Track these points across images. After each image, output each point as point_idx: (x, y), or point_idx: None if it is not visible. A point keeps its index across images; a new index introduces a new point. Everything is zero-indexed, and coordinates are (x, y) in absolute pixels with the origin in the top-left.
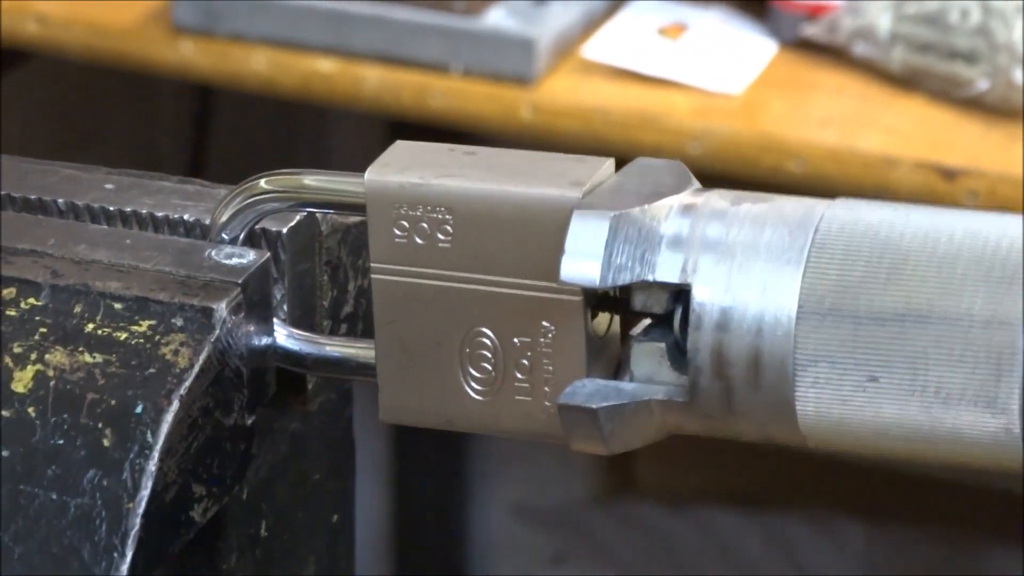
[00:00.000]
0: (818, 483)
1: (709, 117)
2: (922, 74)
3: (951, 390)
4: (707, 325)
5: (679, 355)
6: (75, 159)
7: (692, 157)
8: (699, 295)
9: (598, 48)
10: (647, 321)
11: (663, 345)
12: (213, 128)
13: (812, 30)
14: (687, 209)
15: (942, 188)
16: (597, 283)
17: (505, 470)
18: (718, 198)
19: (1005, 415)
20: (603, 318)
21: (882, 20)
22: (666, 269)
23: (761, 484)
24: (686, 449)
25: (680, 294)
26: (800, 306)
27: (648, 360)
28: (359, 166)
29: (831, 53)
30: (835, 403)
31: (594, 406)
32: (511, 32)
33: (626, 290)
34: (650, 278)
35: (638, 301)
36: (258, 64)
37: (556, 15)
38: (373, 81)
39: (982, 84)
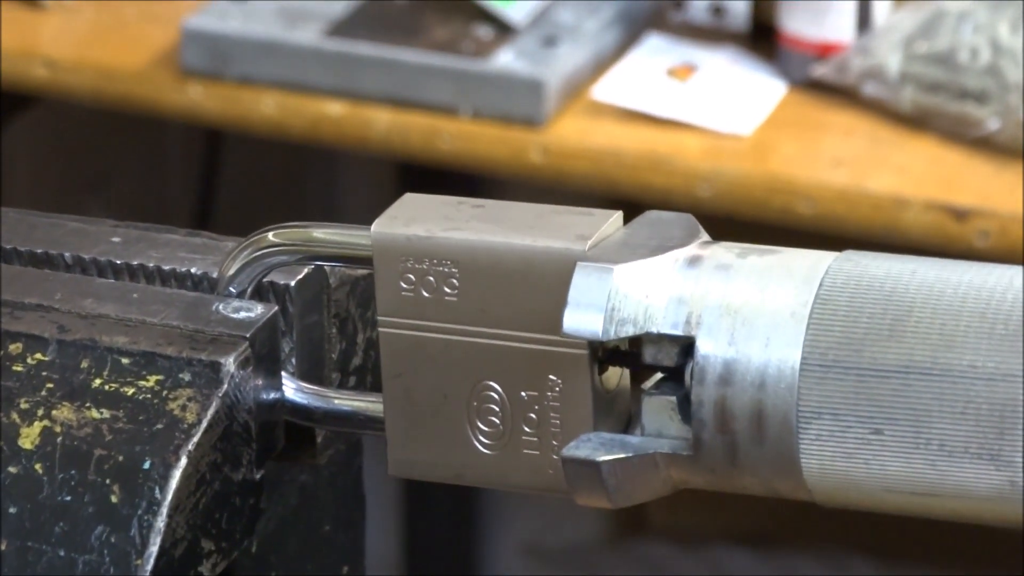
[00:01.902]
0: (829, 522)
1: (719, 158)
2: (932, 114)
3: (955, 444)
4: (710, 378)
5: (690, 409)
6: (84, 202)
7: (702, 199)
8: (703, 348)
9: (607, 89)
10: (658, 375)
11: (674, 399)
12: (221, 171)
13: (822, 70)
14: (693, 262)
15: (953, 229)
16: (600, 335)
17: (516, 512)
18: (724, 251)
19: (1008, 469)
20: (613, 372)
21: (892, 60)
22: (670, 322)
23: (772, 524)
24: (695, 489)
25: (691, 348)
26: (803, 359)
27: (659, 414)
28: (368, 209)
29: (841, 93)
30: (839, 457)
31: (597, 459)
32: (520, 74)
33: (636, 343)
34: (654, 331)
35: (648, 354)
36: (267, 107)
37: (565, 57)
38: (382, 124)
39: (992, 124)
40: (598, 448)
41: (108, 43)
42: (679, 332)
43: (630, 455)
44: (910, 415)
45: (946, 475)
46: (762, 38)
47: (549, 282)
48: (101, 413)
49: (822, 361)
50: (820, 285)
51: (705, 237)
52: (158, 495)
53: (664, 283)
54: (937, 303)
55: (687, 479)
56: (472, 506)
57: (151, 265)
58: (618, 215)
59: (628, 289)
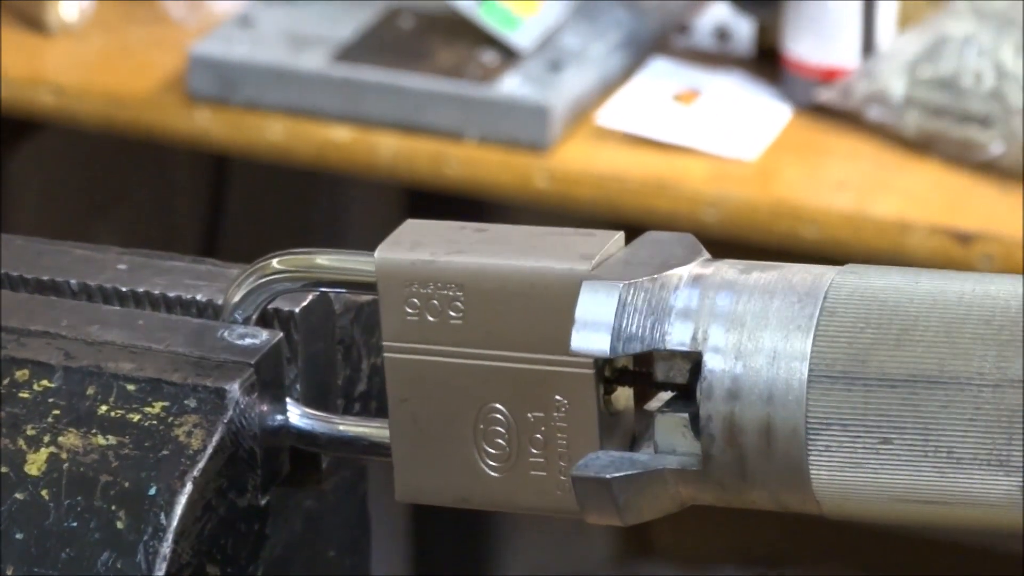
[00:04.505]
0: (833, 543)
1: (724, 183)
2: (936, 138)
3: (963, 452)
4: (718, 394)
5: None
6: (92, 228)
7: (707, 223)
8: (710, 364)
9: (612, 115)
10: (665, 394)
11: (686, 416)
12: (228, 196)
13: (826, 95)
14: (697, 279)
15: (957, 253)
16: (607, 353)
17: (522, 535)
18: (728, 267)
19: (1017, 475)
20: (620, 392)
21: (896, 84)
22: (676, 339)
23: (777, 545)
24: (702, 510)
25: (700, 364)
26: (810, 372)
27: (671, 432)
28: (375, 234)
29: (845, 118)
30: (848, 467)
31: (607, 476)
32: (525, 99)
33: (642, 362)
34: (661, 348)
35: (660, 372)
36: (273, 133)
37: (570, 82)
38: (388, 149)
39: (996, 148)
40: (607, 466)
41: (115, 69)
42: (686, 348)
43: (640, 472)
44: (918, 424)
45: (955, 483)
46: (767, 63)
47: (554, 303)
48: (107, 439)
49: (829, 373)
50: (824, 298)
51: (706, 255)
52: (164, 521)
53: (669, 300)
54: (943, 312)
55: (696, 495)
56: (478, 530)
57: (156, 292)
58: (619, 235)
59: (634, 307)
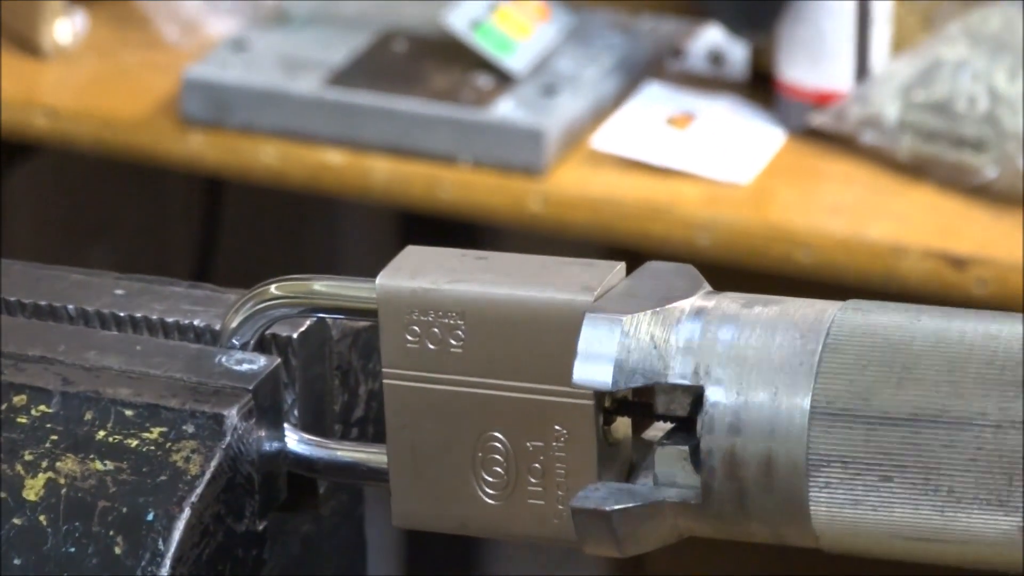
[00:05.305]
0: (829, 566)
1: (718, 207)
2: (930, 162)
3: (963, 491)
4: (719, 428)
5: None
6: (85, 252)
7: (701, 247)
8: (712, 397)
9: (607, 139)
10: (664, 424)
11: (686, 449)
12: (222, 220)
13: (820, 119)
14: (699, 313)
15: (951, 277)
16: (609, 386)
17: (517, 559)
18: (730, 301)
19: (1017, 515)
20: (619, 422)
21: (890, 109)
22: (678, 372)
23: (773, 567)
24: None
25: (702, 397)
26: (812, 408)
27: (671, 464)
28: (369, 258)
29: (839, 142)
30: (848, 504)
31: (607, 509)
32: (520, 123)
33: (642, 393)
34: (663, 381)
35: (661, 404)
36: (267, 156)
37: (564, 106)
38: (382, 173)
39: (990, 172)
40: (607, 498)
41: (109, 92)
42: (688, 382)
43: (639, 504)
44: (919, 463)
45: (954, 521)
46: (761, 87)
47: (554, 333)
48: (105, 465)
49: (830, 410)
50: (827, 334)
51: (707, 288)
52: (161, 547)
53: (671, 334)
54: (945, 351)
55: (695, 527)
56: (474, 555)
57: (154, 317)
58: (621, 266)
59: (636, 340)
